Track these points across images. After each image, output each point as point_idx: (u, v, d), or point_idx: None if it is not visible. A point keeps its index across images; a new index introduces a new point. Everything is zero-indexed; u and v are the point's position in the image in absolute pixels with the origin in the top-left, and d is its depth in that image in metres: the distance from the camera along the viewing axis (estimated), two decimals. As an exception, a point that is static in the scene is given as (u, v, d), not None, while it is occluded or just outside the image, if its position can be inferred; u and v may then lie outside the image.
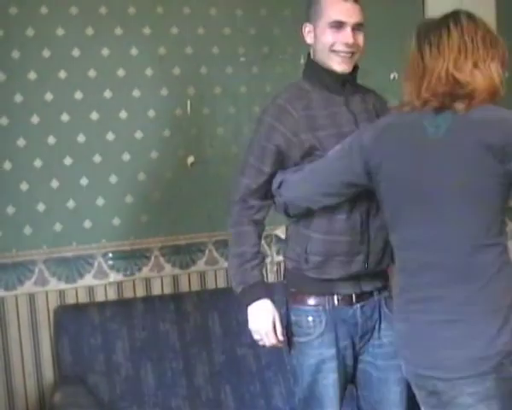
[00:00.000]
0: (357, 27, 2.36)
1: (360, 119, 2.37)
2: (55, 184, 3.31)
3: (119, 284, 3.45)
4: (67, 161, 3.33)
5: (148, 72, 3.49)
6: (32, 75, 3.25)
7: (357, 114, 2.38)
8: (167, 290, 3.55)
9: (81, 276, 3.36)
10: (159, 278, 3.54)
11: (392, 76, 4.10)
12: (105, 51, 3.39)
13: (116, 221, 3.44)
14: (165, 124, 3.54)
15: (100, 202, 3.40)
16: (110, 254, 3.42)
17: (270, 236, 3.79)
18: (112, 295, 3.43)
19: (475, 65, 1.99)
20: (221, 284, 3.68)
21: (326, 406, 2.37)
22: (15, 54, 3.23)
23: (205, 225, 3.63)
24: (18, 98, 3.24)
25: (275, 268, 3.82)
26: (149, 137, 3.50)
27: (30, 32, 3.24)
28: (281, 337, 2.35)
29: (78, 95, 3.34)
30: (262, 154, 2.33)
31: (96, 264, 3.39)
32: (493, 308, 1.94)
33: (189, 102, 3.59)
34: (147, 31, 3.47)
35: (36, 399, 3.27)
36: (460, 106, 1.96)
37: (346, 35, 2.31)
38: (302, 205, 2.30)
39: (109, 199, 3.42)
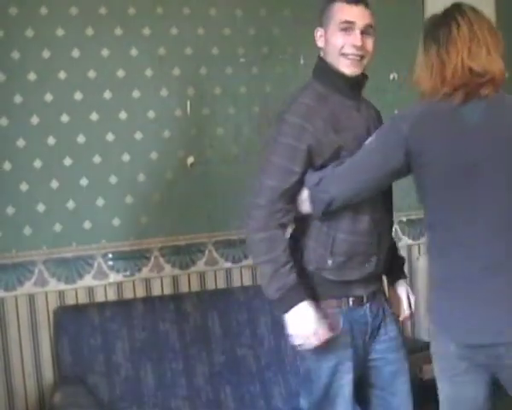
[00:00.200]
0: (366, 31, 2.37)
1: (369, 124, 2.40)
2: (54, 184, 3.31)
3: (118, 285, 3.45)
4: (67, 161, 3.33)
5: (148, 72, 3.49)
6: (32, 76, 3.25)
7: (366, 119, 2.42)
8: (167, 291, 3.55)
9: (81, 276, 3.36)
10: (158, 278, 3.54)
11: (391, 76, 4.10)
12: (105, 52, 3.39)
13: (116, 222, 3.44)
14: (164, 124, 3.54)
15: (100, 202, 3.40)
16: (110, 255, 3.42)
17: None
18: (111, 295, 3.43)
19: (488, 52, 2.09)
20: (221, 284, 3.68)
21: (341, 406, 2.38)
22: (15, 54, 3.22)
23: (205, 226, 3.64)
24: (18, 99, 3.24)
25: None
26: (149, 138, 3.50)
27: (30, 32, 3.24)
28: (326, 336, 2.29)
29: (78, 95, 3.34)
30: (292, 154, 2.27)
31: (95, 264, 3.39)
32: None
33: (188, 103, 3.59)
34: (147, 31, 3.47)
35: (36, 399, 3.27)
36: (486, 91, 2.07)
37: (355, 37, 2.33)
38: (347, 199, 2.27)
39: (109, 200, 3.42)
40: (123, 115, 3.44)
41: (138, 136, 3.48)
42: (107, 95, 3.40)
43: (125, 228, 3.46)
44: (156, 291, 3.53)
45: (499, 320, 2.10)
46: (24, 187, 3.25)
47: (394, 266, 2.62)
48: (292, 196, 2.30)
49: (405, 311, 2.62)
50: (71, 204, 3.34)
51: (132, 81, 3.46)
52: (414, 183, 2.24)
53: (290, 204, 2.31)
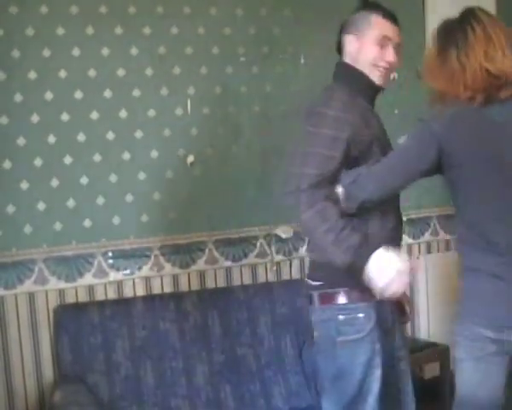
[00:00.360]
0: (397, 48, 2.47)
1: (383, 128, 2.52)
2: (55, 183, 3.31)
3: (118, 283, 3.45)
4: (67, 160, 3.33)
5: (148, 71, 3.49)
6: (32, 74, 3.25)
7: (380, 123, 2.52)
8: (167, 290, 3.55)
9: (81, 275, 3.36)
10: (158, 277, 3.54)
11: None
12: (105, 51, 3.39)
13: (116, 220, 3.44)
14: (165, 123, 3.54)
15: (100, 201, 3.40)
16: (110, 254, 3.42)
17: (270, 235, 3.80)
18: (112, 294, 3.43)
19: (504, 54, 2.18)
20: (221, 283, 3.69)
21: (372, 403, 2.38)
22: (15, 53, 3.22)
23: (205, 225, 3.64)
24: (18, 97, 3.23)
25: (274, 268, 3.82)
26: (149, 137, 3.50)
27: (30, 31, 3.24)
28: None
29: (78, 94, 3.34)
30: (333, 143, 2.28)
31: (95, 263, 3.39)
32: None
33: (189, 102, 3.60)
34: (147, 30, 3.48)
35: (36, 398, 3.27)
36: (506, 94, 2.19)
37: (390, 53, 2.44)
38: (382, 197, 2.33)
39: (109, 198, 3.42)
40: (123, 114, 3.44)
41: (138, 135, 3.48)
42: (108, 94, 3.40)
43: (125, 227, 3.46)
44: (156, 290, 3.53)
45: None
46: (24, 185, 3.25)
47: None
48: (331, 183, 2.30)
49: (407, 310, 2.65)
50: (71, 203, 3.34)
51: (132, 80, 3.46)
52: (445, 182, 2.33)
53: (333, 189, 2.31)
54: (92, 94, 3.37)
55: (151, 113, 3.51)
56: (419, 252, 4.17)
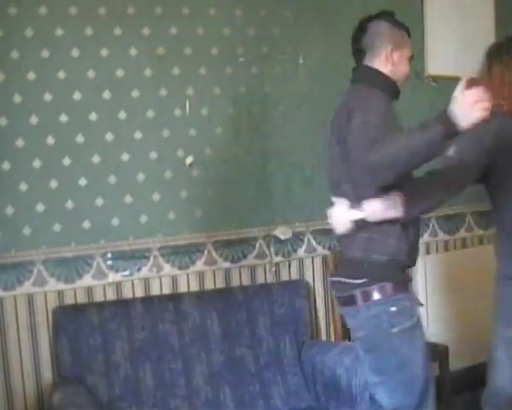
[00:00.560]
0: None
1: None
2: (53, 184, 3.30)
3: (117, 285, 3.44)
4: (66, 161, 3.32)
5: (147, 72, 3.49)
6: (31, 75, 3.24)
7: None
8: (166, 291, 3.55)
9: (80, 276, 3.36)
10: (158, 278, 3.53)
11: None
12: (104, 51, 3.39)
13: (115, 221, 3.43)
14: (164, 124, 3.54)
15: (99, 202, 3.40)
16: (109, 255, 3.42)
17: (269, 236, 3.80)
18: (111, 295, 3.43)
19: None
20: (220, 284, 3.69)
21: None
22: (14, 54, 3.21)
23: (204, 226, 3.64)
24: (17, 98, 3.23)
25: (273, 269, 3.82)
26: (148, 138, 3.50)
27: (29, 32, 3.23)
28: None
29: (77, 95, 3.33)
30: (382, 126, 2.35)
31: (94, 264, 3.38)
32: None
33: (187, 103, 3.60)
34: (146, 31, 3.47)
35: (35, 399, 3.26)
36: None
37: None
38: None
39: (108, 199, 3.42)
40: (122, 115, 3.44)
41: (137, 135, 3.48)
42: (107, 95, 3.40)
43: (124, 228, 3.46)
44: (155, 291, 3.53)
45: None
46: (23, 187, 3.25)
47: None
48: None
49: None
50: (70, 204, 3.34)
51: (131, 81, 3.46)
52: (487, 191, 2.67)
53: None
54: (91, 95, 3.36)
55: (150, 113, 3.50)
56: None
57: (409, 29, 2.69)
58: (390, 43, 2.59)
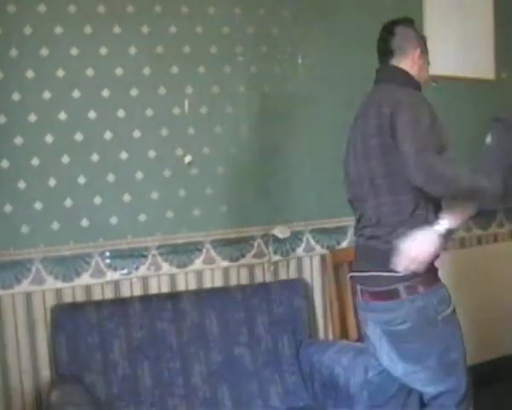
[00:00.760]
0: None
1: None
2: (52, 182, 3.30)
3: (116, 283, 3.44)
4: (65, 159, 3.32)
5: (146, 70, 3.49)
6: (30, 74, 3.24)
7: None
8: (164, 289, 3.55)
9: (78, 275, 3.35)
10: (156, 276, 3.53)
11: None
12: (103, 50, 3.38)
13: (113, 220, 3.43)
14: (162, 123, 3.54)
15: (97, 200, 3.39)
16: (107, 253, 3.41)
17: (268, 235, 3.80)
18: (109, 293, 3.42)
19: None
20: (218, 283, 3.69)
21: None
22: (13, 52, 3.20)
23: (202, 225, 3.64)
24: (15, 97, 3.22)
25: (272, 268, 3.82)
26: (147, 136, 3.50)
27: (28, 30, 3.23)
28: None
29: (76, 93, 3.33)
30: (438, 132, 2.52)
31: (93, 263, 3.38)
32: None
33: (186, 101, 3.59)
34: (145, 29, 3.47)
35: (32, 397, 3.26)
36: None
37: None
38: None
39: (106, 198, 3.41)
40: (121, 113, 3.43)
41: (136, 134, 3.47)
42: (105, 93, 3.40)
43: (122, 226, 3.45)
44: (153, 290, 3.53)
45: None
46: (21, 185, 3.24)
47: None
48: None
49: None
50: (68, 202, 3.33)
51: (130, 79, 3.45)
52: None
53: None
54: (90, 93, 3.36)
55: (149, 112, 3.50)
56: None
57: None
58: (418, 47, 2.78)
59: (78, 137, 3.34)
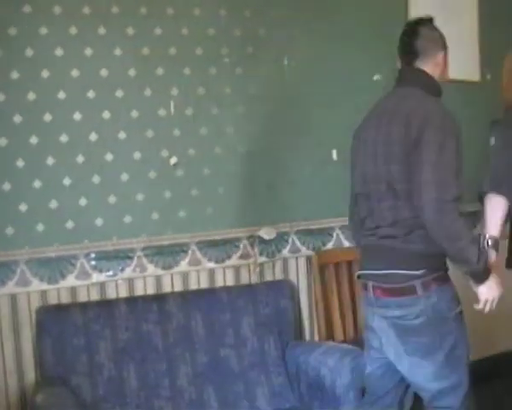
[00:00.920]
0: None
1: None
2: (37, 184, 3.28)
3: (101, 285, 3.43)
4: (50, 161, 3.31)
5: (132, 72, 3.48)
6: (15, 74, 3.22)
7: None
8: (150, 291, 3.54)
9: (63, 276, 3.34)
10: (142, 278, 3.53)
11: (375, 77, 4.13)
12: (88, 51, 3.37)
13: (99, 221, 3.42)
14: (148, 124, 3.53)
15: (82, 202, 3.38)
16: (93, 255, 3.40)
17: (254, 236, 3.80)
18: (94, 295, 3.41)
19: None
20: (204, 284, 3.68)
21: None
22: (-2, 53, 3.20)
23: (188, 226, 3.64)
24: (0, 97, 3.21)
25: (258, 269, 3.83)
26: (132, 138, 3.49)
27: (12, 31, 3.21)
28: None
29: (61, 95, 3.32)
30: (459, 157, 2.59)
31: (78, 264, 3.37)
32: None
33: (172, 103, 3.59)
34: (130, 31, 3.46)
35: (17, 399, 3.24)
36: None
37: None
38: None
39: (92, 199, 3.40)
40: (106, 115, 3.42)
41: (121, 135, 3.46)
42: (91, 94, 3.38)
43: (107, 228, 3.44)
44: (139, 291, 3.52)
45: None
46: (6, 187, 3.22)
47: None
48: None
49: None
50: (53, 204, 3.32)
51: (116, 81, 3.44)
52: None
53: None
54: (75, 94, 3.35)
55: (134, 113, 3.49)
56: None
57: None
58: (443, 48, 2.80)
59: (64, 138, 3.33)
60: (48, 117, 3.30)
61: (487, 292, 2.65)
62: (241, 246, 3.79)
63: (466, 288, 2.69)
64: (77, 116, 3.36)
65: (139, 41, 3.49)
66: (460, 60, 4.28)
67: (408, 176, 2.59)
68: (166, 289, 3.58)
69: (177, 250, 3.61)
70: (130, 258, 3.49)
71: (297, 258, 3.97)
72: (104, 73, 3.41)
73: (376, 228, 2.75)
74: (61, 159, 3.33)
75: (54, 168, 3.32)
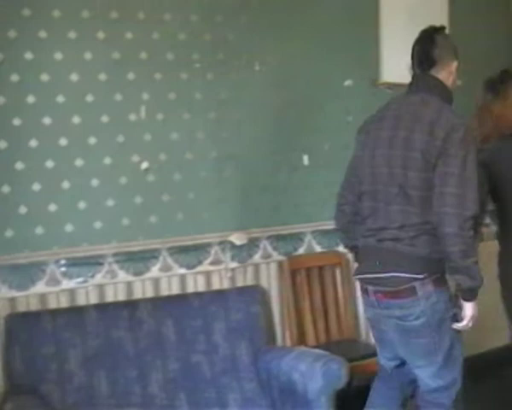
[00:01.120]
0: None
1: None
2: (5, 189, 3.23)
3: (71, 292, 3.39)
4: (19, 165, 3.26)
5: (102, 76, 3.45)
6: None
7: None
8: (121, 297, 3.51)
9: (33, 283, 3.29)
10: (112, 284, 3.49)
11: (346, 83, 4.15)
12: (58, 55, 3.34)
13: (69, 227, 3.38)
14: (118, 129, 3.51)
15: (52, 207, 3.34)
16: (63, 261, 3.37)
17: (225, 242, 3.80)
18: (64, 302, 3.37)
19: None
20: (175, 290, 3.66)
21: None
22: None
23: (159, 232, 3.62)
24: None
25: (229, 275, 3.82)
26: (103, 143, 3.46)
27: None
28: None
29: (30, 99, 3.28)
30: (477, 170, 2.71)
31: (48, 271, 3.33)
32: None
33: (143, 108, 3.57)
34: (101, 35, 3.44)
35: (-15, 409, 3.20)
36: None
37: None
38: None
39: (61, 205, 3.37)
40: (76, 120, 3.39)
41: (92, 141, 3.43)
42: (60, 99, 3.35)
43: (78, 234, 3.41)
44: (110, 298, 3.48)
45: None
46: (-27, 192, 3.19)
47: None
48: None
49: None
50: (22, 209, 3.28)
51: (86, 85, 3.41)
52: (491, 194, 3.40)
53: None
54: (44, 99, 3.31)
55: (104, 118, 3.47)
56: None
57: None
58: (456, 58, 2.89)
59: (33, 143, 3.29)
60: (17, 121, 3.26)
61: (474, 309, 2.75)
62: (213, 252, 3.78)
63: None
64: (46, 121, 3.32)
65: (110, 45, 3.46)
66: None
67: (425, 184, 2.67)
68: (137, 295, 3.55)
69: (148, 256, 3.59)
70: (101, 264, 3.46)
71: (268, 263, 3.97)
72: (74, 77, 3.38)
73: (380, 229, 2.81)
74: (31, 164, 3.29)
75: (23, 174, 3.28)
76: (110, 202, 3.49)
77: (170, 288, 3.66)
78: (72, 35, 3.36)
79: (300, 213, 4.04)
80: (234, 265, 3.85)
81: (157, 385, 3.31)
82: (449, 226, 2.59)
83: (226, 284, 3.81)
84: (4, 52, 3.22)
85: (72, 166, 3.39)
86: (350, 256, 4.08)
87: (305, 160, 4.07)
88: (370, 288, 2.84)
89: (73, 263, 3.39)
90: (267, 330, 3.80)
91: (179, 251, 3.68)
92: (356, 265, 3.04)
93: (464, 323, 2.77)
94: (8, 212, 3.25)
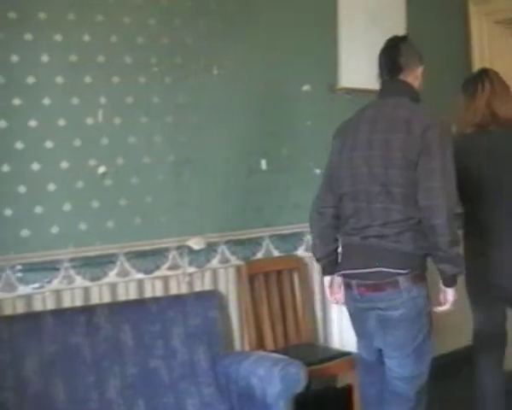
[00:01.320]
0: None
1: None
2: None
3: (27, 297, 3.34)
4: None
5: (59, 79, 3.41)
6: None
7: None
8: (78, 303, 3.47)
9: (-12, 289, 3.25)
10: (69, 290, 3.45)
11: (304, 88, 4.17)
12: (14, 58, 3.29)
13: (24, 232, 3.33)
14: (75, 133, 3.47)
15: (7, 212, 3.29)
16: (18, 267, 3.31)
17: (183, 247, 3.78)
18: (20, 308, 3.32)
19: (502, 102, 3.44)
20: (133, 295, 3.64)
21: None
22: None
23: (116, 236, 3.59)
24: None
25: (187, 280, 3.81)
26: (59, 147, 3.42)
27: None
28: None
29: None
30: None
31: (3, 276, 3.27)
32: None
33: (100, 111, 3.54)
34: (58, 37, 3.40)
35: None
36: (493, 128, 3.45)
37: None
38: None
39: (17, 210, 3.31)
40: (32, 123, 3.34)
41: (48, 144, 3.39)
42: (16, 102, 3.30)
43: (33, 239, 3.35)
44: (67, 303, 3.44)
45: None
46: None
47: None
48: None
49: None
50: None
51: (42, 88, 3.37)
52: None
53: None
54: (0, 102, 3.26)
55: (61, 122, 3.43)
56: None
57: None
58: (421, 63, 3.06)
59: (-10, 146, 3.24)
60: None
61: (455, 294, 2.91)
62: (170, 256, 3.77)
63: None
64: (2, 124, 3.26)
65: (67, 48, 3.43)
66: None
67: (408, 181, 2.81)
68: (94, 300, 3.52)
69: (106, 261, 3.56)
70: (57, 269, 3.42)
71: (226, 268, 3.97)
72: (31, 80, 3.33)
73: (363, 228, 2.92)
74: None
75: None
76: (67, 207, 3.45)
77: (127, 293, 3.63)
78: (28, 37, 3.31)
79: (258, 218, 4.06)
80: (192, 270, 3.84)
81: (115, 391, 3.28)
82: (437, 218, 2.73)
83: (184, 289, 3.80)
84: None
85: (28, 171, 3.33)
86: (308, 260, 4.12)
87: (263, 164, 4.09)
88: (354, 282, 2.96)
89: (29, 268, 3.34)
90: (225, 334, 3.81)
91: (137, 256, 3.65)
92: (317, 272, 3.14)
93: (447, 306, 2.92)
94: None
